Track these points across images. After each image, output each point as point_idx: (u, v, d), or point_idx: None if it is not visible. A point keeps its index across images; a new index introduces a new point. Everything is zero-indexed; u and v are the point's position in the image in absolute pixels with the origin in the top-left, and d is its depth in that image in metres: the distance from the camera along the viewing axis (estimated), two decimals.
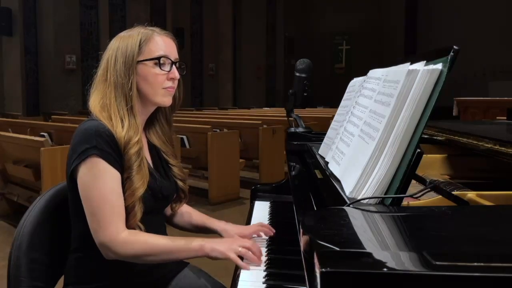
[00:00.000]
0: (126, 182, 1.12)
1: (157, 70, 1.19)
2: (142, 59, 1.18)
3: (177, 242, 1.11)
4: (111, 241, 1.08)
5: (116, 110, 1.15)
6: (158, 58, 1.18)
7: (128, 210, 1.12)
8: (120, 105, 1.16)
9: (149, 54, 1.18)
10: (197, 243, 1.10)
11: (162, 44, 1.20)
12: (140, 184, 1.13)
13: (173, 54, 1.22)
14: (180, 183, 1.32)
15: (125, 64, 1.17)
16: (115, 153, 1.11)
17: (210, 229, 1.37)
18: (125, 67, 1.17)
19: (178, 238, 1.13)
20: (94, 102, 1.19)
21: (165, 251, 1.10)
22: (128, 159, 1.12)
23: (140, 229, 1.14)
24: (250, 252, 1.07)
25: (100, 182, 1.09)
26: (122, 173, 1.12)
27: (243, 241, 1.12)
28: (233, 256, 1.06)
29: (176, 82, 1.24)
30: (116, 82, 1.17)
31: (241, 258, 1.08)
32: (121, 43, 1.19)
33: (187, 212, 1.42)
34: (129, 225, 1.12)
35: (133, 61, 1.17)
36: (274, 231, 1.28)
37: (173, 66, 1.21)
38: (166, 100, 1.22)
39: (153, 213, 1.22)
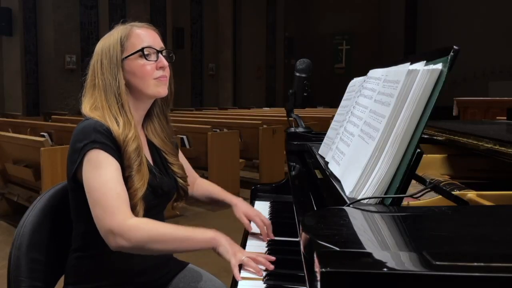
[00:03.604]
0: (127, 181, 1.11)
1: (143, 61, 1.18)
2: (126, 55, 1.18)
3: (188, 231, 1.08)
4: (119, 227, 1.03)
5: (108, 110, 1.15)
6: (142, 50, 1.17)
7: (131, 210, 1.10)
8: (112, 105, 1.16)
9: (132, 48, 1.18)
10: (208, 235, 1.07)
11: (143, 35, 1.19)
12: (140, 185, 1.12)
13: (157, 43, 1.21)
14: (180, 180, 1.31)
15: (110, 65, 1.17)
16: (114, 147, 1.11)
17: (223, 201, 1.39)
18: (111, 68, 1.17)
19: (188, 227, 1.10)
20: (86, 108, 1.18)
21: (175, 239, 1.06)
22: (127, 158, 1.12)
23: None
24: (252, 261, 1.04)
25: (102, 171, 1.08)
26: (122, 171, 1.12)
27: (251, 253, 1.08)
28: (234, 262, 1.03)
29: (167, 70, 1.22)
30: (105, 85, 1.17)
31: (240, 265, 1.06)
32: (104, 46, 1.19)
33: (202, 184, 1.46)
34: None
35: (117, 60, 1.17)
36: (272, 237, 1.24)
37: (159, 54, 1.20)
38: (160, 90, 1.20)
39: (154, 211, 1.21)
